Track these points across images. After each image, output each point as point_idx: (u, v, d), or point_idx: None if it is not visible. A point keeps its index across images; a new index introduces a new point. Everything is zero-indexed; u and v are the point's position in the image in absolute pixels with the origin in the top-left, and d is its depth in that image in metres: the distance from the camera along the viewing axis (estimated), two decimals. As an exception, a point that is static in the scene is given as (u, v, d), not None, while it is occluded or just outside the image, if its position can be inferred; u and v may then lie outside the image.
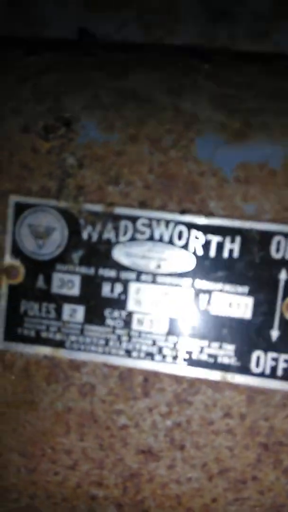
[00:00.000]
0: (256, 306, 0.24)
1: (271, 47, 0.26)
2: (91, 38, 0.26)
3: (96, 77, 0.25)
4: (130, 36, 0.27)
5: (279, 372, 0.24)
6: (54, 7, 0.27)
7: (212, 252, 0.24)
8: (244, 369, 0.24)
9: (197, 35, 0.26)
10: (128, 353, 0.25)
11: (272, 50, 0.26)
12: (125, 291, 0.24)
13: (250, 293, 0.24)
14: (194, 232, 0.24)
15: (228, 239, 0.24)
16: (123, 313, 0.25)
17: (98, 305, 0.25)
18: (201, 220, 0.24)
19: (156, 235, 0.24)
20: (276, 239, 0.23)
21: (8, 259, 0.25)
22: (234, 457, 0.25)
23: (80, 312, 0.25)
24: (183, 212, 0.24)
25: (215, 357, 0.24)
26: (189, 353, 0.24)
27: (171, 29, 0.26)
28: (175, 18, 0.26)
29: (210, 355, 0.24)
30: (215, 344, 0.24)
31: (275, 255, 0.23)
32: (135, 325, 0.25)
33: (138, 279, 0.24)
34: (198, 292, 0.24)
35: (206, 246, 0.24)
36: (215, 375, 0.24)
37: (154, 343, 0.25)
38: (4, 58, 0.26)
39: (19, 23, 0.28)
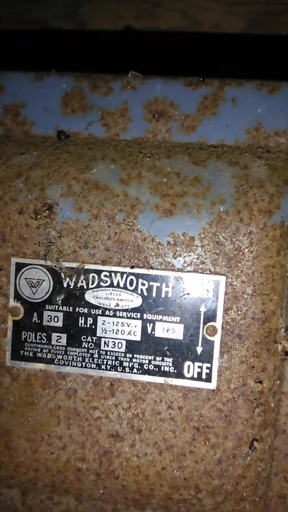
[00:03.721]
0: (185, 330, 0.32)
1: (198, 138, 0.35)
2: (66, 136, 0.35)
3: (69, 171, 0.33)
4: (95, 133, 0.35)
5: (203, 375, 0.32)
6: (39, 111, 0.36)
7: (154, 294, 0.32)
8: (179, 374, 0.32)
9: (143, 131, 0.35)
10: (99, 366, 0.33)
11: (198, 140, 0.34)
12: (94, 323, 0.33)
13: (181, 322, 0.32)
14: (140, 280, 0.32)
15: (164, 284, 0.32)
16: (94, 338, 0.33)
17: (76, 333, 0.33)
18: (145, 272, 0.32)
19: (115, 283, 0.32)
20: (196, 283, 0.31)
21: (12, 302, 0.34)
22: (176, 437, 0.32)
23: (64, 338, 0.33)
24: (132, 267, 0.32)
25: (159, 367, 0.32)
26: (141, 364, 0.32)
27: (124, 126, 0.35)
28: (126, 118, 0.35)
29: (155, 366, 0.32)
30: (159, 358, 0.32)
31: (197, 294, 0.32)
32: (103, 346, 0.33)
33: (103, 314, 0.32)
34: (145, 322, 0.32)
35: (149, 289, 0.32)
36: (159, 380, 0.32)
37: (116, 358, 0.32)
38: (6, 155, 0.34)
39: (13, 124, 0.36)
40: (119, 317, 0.32)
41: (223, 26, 0.50)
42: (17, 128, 0.36)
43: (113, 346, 0.33)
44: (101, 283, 0.32)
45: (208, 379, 0.32)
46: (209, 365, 0.32)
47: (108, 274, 0.32)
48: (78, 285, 0.32)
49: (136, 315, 0.32)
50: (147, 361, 0.32)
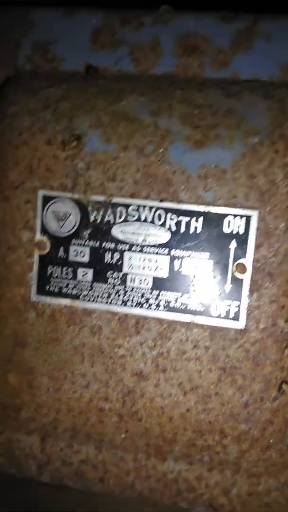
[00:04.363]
0: (214, 267, 0.31)
1: (230, 73, 0.34)
2: (95, 71, 0.35)
3: (98, 103, 0.32)
4: (124, 68, 0.35)
5: (231, 315, 0.31)
6: (69, 47, 0.36)
7: (182, 229, 0.31)
8: (206, 313, 0.31)
9: (174, 66, 0.34)
10: (124, 303, 0.32)
11: (230, 76, 0.34)
12: (121, 258, 0.32)
13: (210, 258, 0.31)
14: (169, 214, 0.31)
15: (193, 219, 0.31)
16: (120, 274, 0.32)
17: (102, 268, 0.33)
18: (174, 206, 0.31)
19: (142, 217, 0.32)
20: (227, 218, 0.31)
21: (38, 236, 0.33)
22: (201, 378, 0.32)
23: (89, 274, 0.33)
24: (161, 200, 0.31)
25: (186, 305, 0.32)
26: (168, 302, 0.32)
27: (154, 61, 0.34)
28: (157, 54, 0.34)
29: (182, 303, 0.32)
30: (186, 295, 0.32)
31: (227, 230, 0.31)
32: (129, 283, 0.32)
33: (130, 249, 0.32)
34: (173, 258, 0.32)
35: (178, 224, 0.31)
36: (186, 318, 0.32)
37: (142, 295, 0.32)
38: (34, 88, 0.34)
39: (41, 60, 0.36)
40: (146, 252, 0.32)
41: None
42: (46, 64, 0.36)
43: (140, 282, 0.32)
44: (129, 218, 0.32)
45: (236, 318, 0.31)
46: (237, 303, 0.31)
47: (136, 208, 0.32)
48: (106, 219, 0.32)
49: (164, 250, 0.32)
50: (173, 299, 0.32)
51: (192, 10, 0.34)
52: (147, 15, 0.35)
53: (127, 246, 0.32)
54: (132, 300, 0.32)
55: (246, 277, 0.31)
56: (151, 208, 0.32)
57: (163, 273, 0.32)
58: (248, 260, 0.31)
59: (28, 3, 0.36)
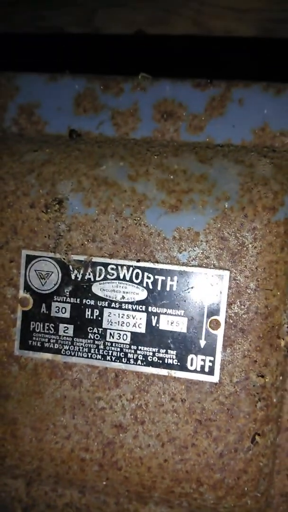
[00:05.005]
0: (189, 323, 0.32)
1: (205, 138, 0.36)
2: (77, 135, 0.37)
3: (80, 167, 0.34)
4: (105, 132, 0.37)
5: (206, 368, 0.32)
6: (53, 111, 0.38)
7: (159, 287, 0.33)
8: (183, 367, 0.32)
9: (152, 130, 0.36)
10: (104, 357, 0.34)
11: (205, 140, 0.36)
12: (101, 314, 0.34)
13: (185, 315, 0.33)
14: (146, 273, 0.33)
15: (169, 278, 0.33)
16: (100, 330, 0.34)
17: (82, 324, 0.34)
18: (151, 265, 0.33)
19: (121, 276, 0.33)
20: (201, 277, 0.32)
21: (22, 293, 0.35)
22: (179, 429, 0.33)
23: (70, 329, 0.34)
24: (138, 260, 0.33)
25: (163, 359, 0.33)
26: (145, 356, 0.33)
27: (133, 126, 0.36)
28: (136, 118, 0.36)
29: (159, 358, 0.33)
30: (163, 350, 0.33)
31: (201, 288, 0.32)
32: (108, 338, 0.33)
33: (109, 306, 0.33)
34: (150, 314, 0.33)
35: (154, 283, 0.33)
36: (163, 372, 0.33)
37: (121, 350, 0.33)
38: (19, 152, 0.36)
39: (27, 123, 0.38)
40: (125, 309, 0.33)
41: (235, 33, 0.52)
42: (31, 127, 0.37)
43: (119, 337, 0.33)
44: (108, 276, 0.33)
45: (211, 372, 0.32)
46: (212, 358, 0.32)
47: (114, 267, 0.33)
48: (86, 278, 0.33)
49: (141, 307, 0.33)
50: (151, 353, 0.33)
51: (169, 76, 0.37)
52: (127, 82, 0.37)
53: (107, 303, 0.33)
54: (112, 354, 0.34)
55: (220, 333, 0.32)
56: (129, 267, 0.33)
57: (141, 328, 0.33)
58: (221, 317, 0.32)
59: (13, 69, 0.38)
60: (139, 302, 0.33)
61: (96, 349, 0.34)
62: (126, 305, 0.33)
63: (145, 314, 0.33)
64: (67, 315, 0.34)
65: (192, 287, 0.32)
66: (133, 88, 0.36)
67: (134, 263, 0.33)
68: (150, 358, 0.33)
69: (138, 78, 0.37)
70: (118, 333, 0.33)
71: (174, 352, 0.33)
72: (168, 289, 0.33)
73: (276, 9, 0.51)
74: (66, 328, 0.34)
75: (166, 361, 0.33)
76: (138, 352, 0.33)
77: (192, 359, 0.33)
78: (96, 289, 0.33)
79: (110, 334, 0.34)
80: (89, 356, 0.34)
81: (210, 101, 0.36)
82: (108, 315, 0.33)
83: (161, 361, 0.33)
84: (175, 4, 0.50)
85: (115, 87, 0.37)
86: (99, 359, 0.34)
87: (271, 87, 0.35)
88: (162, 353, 0.33)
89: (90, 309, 0.34)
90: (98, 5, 0.54)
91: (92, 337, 0.34)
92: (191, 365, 0.33)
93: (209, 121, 0.36)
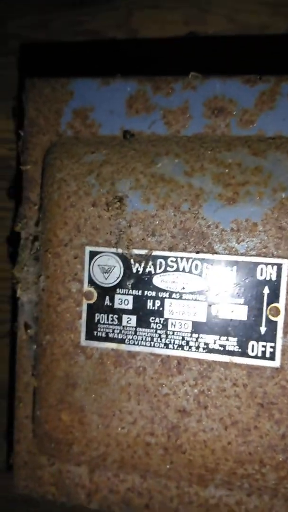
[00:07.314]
0: (249, 311, 0.34)
1: (256, 131, 0.37)
2: (131, 135, 0.38)
3: (136, 166, 0.36)
4: (157, 131, 0.38)
5: (267, 354, 0.33)
6: (106, 114, 0.39)
7: (218, 277, 0.34)
8: (244, 353, 0.34)
9: (202, 127, 0.37)
10: (166, 345, 0.35)
11: (256, 133, 0.37)
12: (162, 305, 0.35)
13: (244, 303, 0.34)
14: (205, 264, 0.34)
15: (228, 268, 0.34)
16: (162, 320, 0.35)
17: (145, 315, 0.35)
18: (210, 257, 0.34)
19: (181, 268, 0.34)
20: (259, 267, 0.34)
21: (86, 287, 0.37)
22: (241, 413, 0.34)
23: (133, 320, 0.36)
24: (197, 252, 0.34)
25: (224, 346, 0.34)
26: (207, 344, 0.34)
27: (184, 123, 0.38)
28: (187, 116, 0.38)
29: (220, 345, 0.34)
30: (223, 338, 0.34)
31: (260, 277, 0.34)
32: (170, 327, 0.35)
33: (170, 297, 0.35)
34: (210, 303, 0.34)
35: (214, 273, 0.34)
36: (224, 358, 0.34)
37: (183, 338, 0.35)
38: (77, 154, 0.38)
39: (81, 126, 0.39)
40: (185, 299, 0.35)
41: (271, 28, 0.52)
42: (86, 130, 0.39)
43: (180, 326, 0.35)
44: (168, 268, 0.35)
45: (272, 357, 0.33)
46: (272, 344, 0.33)
47: (174, 259, 0.35)
48: (147, 270, 0.35)
49: (201, 297, 0.34)
50: (212, 341, 0.34)
51: (218, 74, 0.38)
52: (177, 82, 0.38)
53: (167, 294, 0.35)
54: (173, 343, 0.35)
55: (280, 320, 0.33)
56: (188, 259, 0.34)
57: (202, 317, 0.34)
58: (281, 304, 0.33)
59: (67, 75, 0.40)
60: (199, 292, 0.34)
61: (159, 338, 0.35)
62: (187, 295, 0.35)
63: (205, 304, 0.34)
64: (129, 306, 0.36)
65: (251, 276, 0.33)
66: (184, 88, 0.38)
67: (194, 255, 0.34)
68: (211, 346, 0.34)
69: (188, 78, 0.38)
70: (179, 322, 0.35)
71: (235, 339, 0.34)
72: (227, 278, 0.34)
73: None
74: (129, 319, 0.36)
75: (227, 348, 0.34)
76: (200, 340, 0.35)
77: (253, 346, 0.34)
78: (157, 281, 0.35)
79: (172, 323, 0.35)
80: (152, 345, 0.35)
81: (259, 95, 0.36)
82: (169, 306, 0.35)
83: (222, 348, 0.34)
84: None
85: (166, 87, 0.38)
86: (161, 347, 0.35)
87: None
88: (223, 340, 0.34)
89: (151, 300, 0.35)
90: (135, 6, 0.55)
91: (154, 327, 0.35)
92: (252, 351, 0.34)
93: (260, 116, 0.36)
